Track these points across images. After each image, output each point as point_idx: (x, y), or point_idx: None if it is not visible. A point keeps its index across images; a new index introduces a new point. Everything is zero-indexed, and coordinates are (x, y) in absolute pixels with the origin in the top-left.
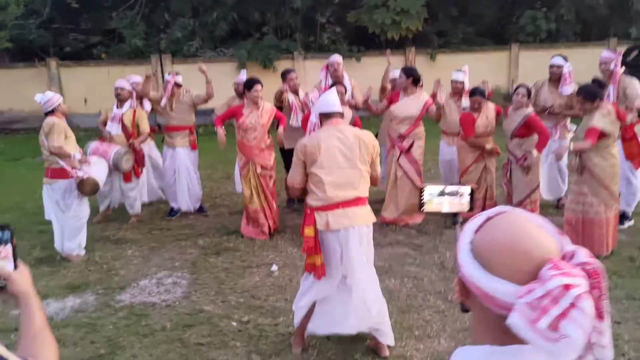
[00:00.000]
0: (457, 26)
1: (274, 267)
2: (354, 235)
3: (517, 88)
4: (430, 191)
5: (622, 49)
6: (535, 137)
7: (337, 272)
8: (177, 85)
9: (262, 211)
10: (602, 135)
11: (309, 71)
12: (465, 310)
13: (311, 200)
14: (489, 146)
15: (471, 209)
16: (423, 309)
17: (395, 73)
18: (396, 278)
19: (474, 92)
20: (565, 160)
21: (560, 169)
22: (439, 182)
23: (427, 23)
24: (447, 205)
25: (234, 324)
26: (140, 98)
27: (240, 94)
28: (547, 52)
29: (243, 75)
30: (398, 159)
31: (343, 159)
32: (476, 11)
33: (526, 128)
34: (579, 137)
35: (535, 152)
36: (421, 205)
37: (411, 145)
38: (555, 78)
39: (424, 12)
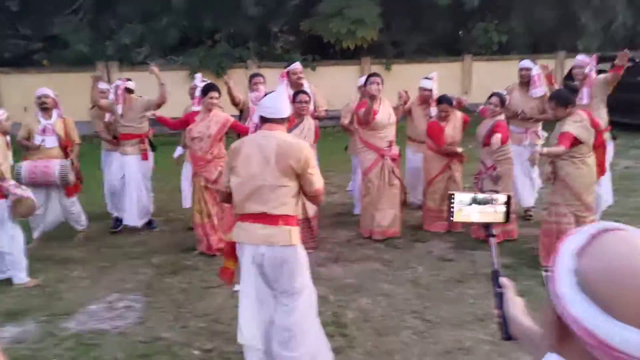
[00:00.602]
0: (411, 37)
1: (237, 287)
2: (247, 254)
3: (490, 96)
4: (460, 199)
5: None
6: (507, 147)
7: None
8: (128, 90)
9: (201, 227)
10: (576, 142)
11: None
12: (508, 338)
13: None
14: (460, 149)
15: (507, 220)
16: (401, 330)
17: (361, 81)
18: (369, 296)
19: (442, 100)
20: (536, 169)
21: (531, 177)
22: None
23: (381, 33)
24: (478, 214)
25: (196, 352)
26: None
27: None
28: (499, 63)
29: (198, 80)
30: (392, 170)
31: (257, 168)
32: (429, 22)
33: (493, 135)
34: (552, 143)
35: (495, 139)
36: (450, 214)
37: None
38: (525, 81)
39: (379, 22)
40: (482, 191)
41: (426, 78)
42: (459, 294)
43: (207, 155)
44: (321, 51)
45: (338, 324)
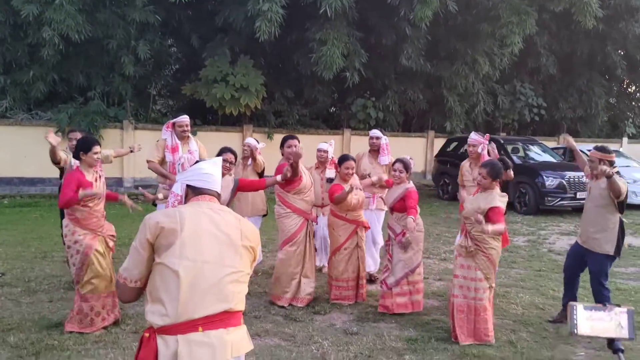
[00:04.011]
0: (292, 107)
1: None
2: None
3: (394, 163)
4: (581, 310)
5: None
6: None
7: None
8: None
9: (110, 296)
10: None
11: (139, 141)
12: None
13: (153, 315)
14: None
15: (633, 336)
16: None
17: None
18: None
19: (347, 158)
20: (380, 233)
21: (375, 242)
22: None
23: (264, 102)
24: (601, 328)
25: None
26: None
27: (74, 155)
28: None
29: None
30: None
31: (216, 250)
32: (311, 95)
33: (404, 202)
34: (468, 209)
35: (409, 222)
36: (572, 326)
37: None
38: (375, 149)
39: (263, 90)
40: (390, 257)
41: (324, 142)
42: None
43: (103, 211)
44: (202, 116)
45: None
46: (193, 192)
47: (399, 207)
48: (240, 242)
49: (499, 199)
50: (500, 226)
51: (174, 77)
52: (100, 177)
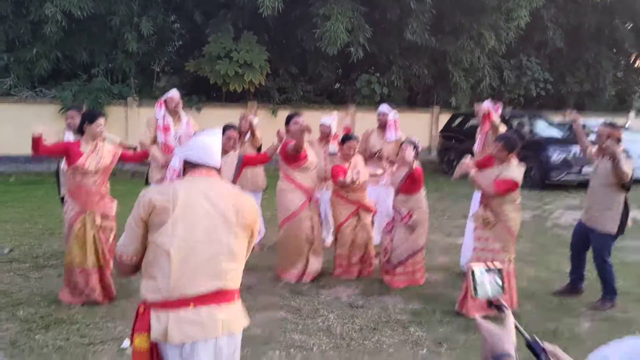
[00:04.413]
0: (297, 84)
1: (126, 343)
2: (206, 352)
3: (401, 143)
4: (479, 272)
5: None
6: (420, 195)
7: None
8: None
9: (96, 272)
10: (515, 187)
11: (143, 118)
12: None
13: (147, 291)
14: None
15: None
16: None
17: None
18: (281, 349)
19: (349, 137)
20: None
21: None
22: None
23: (268, 78)
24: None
25: None
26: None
27: (77, 129)
28: None
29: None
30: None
31: (209, 228)
32: (315, 71)
33: (410, 182)
34: (485, 182)
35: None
36: (474, 290)
37: None
38: (383, 125)
39: (267, 66)
40: (392, 239)
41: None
42: (376, 343)
43: (102, 188)
44: (206, 93)
45: None
46: (190, 166)
47: (405, 188)
48: (235, 220)
49: (516, 170)
50: (487, 187)
51: (177, 53)
52: (98, 150)
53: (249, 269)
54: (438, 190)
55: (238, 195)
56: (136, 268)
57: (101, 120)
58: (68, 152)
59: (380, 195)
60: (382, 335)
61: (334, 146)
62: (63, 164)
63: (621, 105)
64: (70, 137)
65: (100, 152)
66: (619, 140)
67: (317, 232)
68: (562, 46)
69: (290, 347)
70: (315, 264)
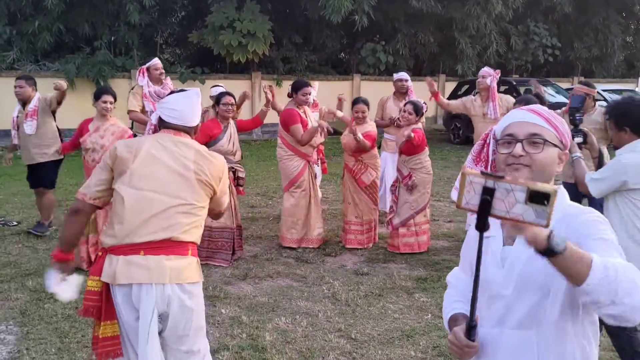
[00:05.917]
0: (301, 54)
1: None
2: (148, 297)
3: (405, 104)
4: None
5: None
6: (422, 156)
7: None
8: None
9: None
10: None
11: None
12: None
13: (105, 236)
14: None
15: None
16: (327, 351)
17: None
18: (287, 316)
19: (358, 101)
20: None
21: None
22: None
23: (272, 49)
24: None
25: None
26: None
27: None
28: (386, 83)
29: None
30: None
31: (166, 181)
32: (319, 40)
33: (410, 144)
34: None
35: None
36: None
37: None
38: (402, 91)
39: (270, 36)
40: (396, 199)
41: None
42: (381, 309)
43: None
44: (210, 64)
45: (256, 348)
46: (162, 124)
47: (406, 149)
48: (194, 176)
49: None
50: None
51: (180, 24)
52: (100, 130)
53: (255, 237)
54: (444, 158)
55: (203, 153)
56: (87, 220)
57: (107, 97)
58: (81, 132)
59: (395, 160)
60: (387, 302)
61: (316, 114)
62: None
63: (629, 71)
64: (19, 107)
65: (102, 132)
66: (593, 98)
67: (314, 198)
68: (570, 11)
69: (295, 313)
70: (316, 228)
